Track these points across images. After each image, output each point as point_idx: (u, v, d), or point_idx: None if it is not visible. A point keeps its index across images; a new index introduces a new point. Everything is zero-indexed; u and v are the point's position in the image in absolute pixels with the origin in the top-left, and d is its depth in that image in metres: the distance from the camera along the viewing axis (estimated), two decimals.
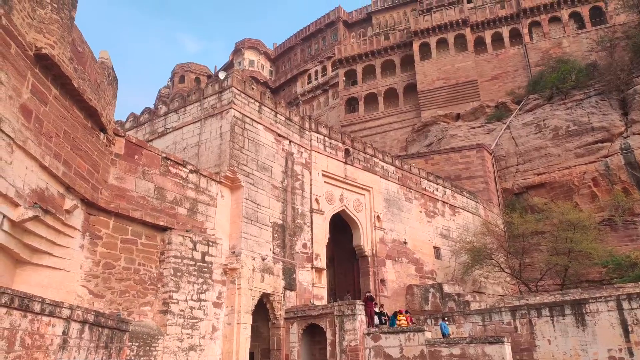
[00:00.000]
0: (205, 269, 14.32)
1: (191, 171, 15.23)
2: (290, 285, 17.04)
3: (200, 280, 14.06)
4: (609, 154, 31.35)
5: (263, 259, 16.14)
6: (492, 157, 35.25)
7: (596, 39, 39.37)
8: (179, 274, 13.39)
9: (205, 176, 15.75)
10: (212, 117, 17.97)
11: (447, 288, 21.01)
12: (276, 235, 17.36)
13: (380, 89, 48.88)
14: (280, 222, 17.79)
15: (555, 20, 44.49)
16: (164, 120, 19.76)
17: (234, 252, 15.45)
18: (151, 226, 13.44)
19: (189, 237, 14.09)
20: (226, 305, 14.64)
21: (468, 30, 46.08)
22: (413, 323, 16.94)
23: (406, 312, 17.67)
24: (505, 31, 45.73)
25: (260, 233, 16.62)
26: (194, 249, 14.12)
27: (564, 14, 44.11)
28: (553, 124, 34.83)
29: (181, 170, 14.85)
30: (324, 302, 18.17)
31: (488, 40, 46.04)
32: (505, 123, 38.13)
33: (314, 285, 18.16)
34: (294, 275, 17.44)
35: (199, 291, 13.91)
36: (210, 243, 14.80)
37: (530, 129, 35.92)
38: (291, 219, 18.40)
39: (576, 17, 44.05)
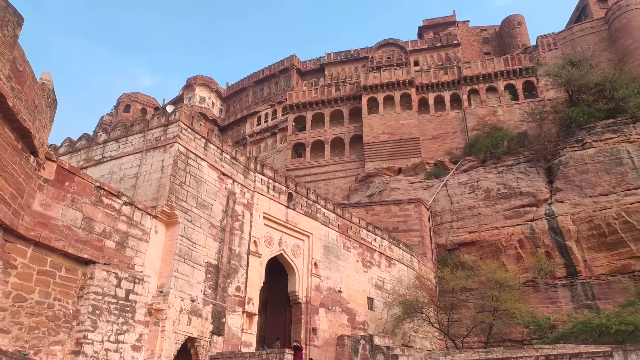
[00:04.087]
0: (128, 308, 13.51)
1: (125, 203, 14.64)
2: (218, 329, 16.37)
3: (121, 320, 13.22)
4: (534, 218, 33.43)
5: (193, 301, 15.50)
6: (429, 212, 36.58)
7: (528, 110, 42.83)
8: (97, 312, 12.54)
9: (140, 209, 15.17)
10: (155, 150, 17.57)
11: (377, 340, 20.99)
12: (209, 276, 16.82)
13: (327, 137, 50.06)
14: (215, 262, 17.30)
15: (492, 90, 48.18)
16: (102, 148, 19.06)
17: (161, 292, 14.75)
18: (74, 258, 12.64)
19: (114, 272, 13.34)
20: (146, 348, 13.78)
21: (413, 90, 48.80)
22: None
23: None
24: (447, 95, 48.83)
25: (192, 273, 16.04)
26: (118, 285, 13.35)
27: (500, 85, 47.93)
28: (485, 186, 36.91)
29: (114, 202, 14.24)
30: (252, 349, 17.57)
31: (431, 101, 48.89)
32: (442, 181, 39.96)
33: (243, 331, 17.56)
34: (224, 320, 16.82)
35: (118, 332, 13.04)
36: (137, 280, 14.07)
37: (464, 189, 37.82)
38: (227, 260, 17.95)
39: (511, 89, 47.97)
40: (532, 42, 56.57)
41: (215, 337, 16.17)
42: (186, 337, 14.92)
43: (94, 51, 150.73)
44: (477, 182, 37.64)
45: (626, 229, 29.97)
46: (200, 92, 61.48)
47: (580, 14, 61.51)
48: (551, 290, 30.64)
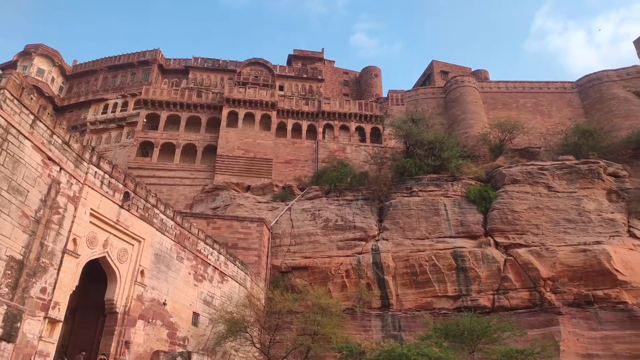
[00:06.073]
0: None
1: None
2: (9, 335, 14.01)
3: None
4: (362, 252, 36.28)
5: None
6: (270, 233, 37.17)
7: (371, 153, 47.06)
8: None
9: None
10: None
11: (195, 358, 20.21)
12: (9, 272, 14.42)
13: (180, 141, 48.09)
14: (20, 257, 14.94)
15: (345, 128, 51.91)
16: None
17: None
18: None
19: None
20: None
21: (274, 113, 50.01)
22: None
23: None
24: (304, 124, 51.12)
25: None
26: None
27: (352, 125, 51.94)
28: (325, 216, 39.04)
29: None
30: None
31: (289, 127, 50.61)
32: (287, 205, 41.17)
33: (41, 339, 15.30)
34: (18, 324, 14.48)
35: None
36: None
37: (306, 216, 39.47)
38: (35, 257, 15.65)
39: (360, 131, 52.28)
40: (385, 94, 62.78)
41: (4, 343, 13.78)
42: None
43: None
44: (319, 211, 39.62)
45: (434, 271, 34.32)
46: (39, 63, 53.99)
47: (426, 80, 70.61)
48: (366, 319, 33.29)
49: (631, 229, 35.33)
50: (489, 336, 25.17)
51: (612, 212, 36.12)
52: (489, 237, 36.01)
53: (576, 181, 38.46)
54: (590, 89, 57.16)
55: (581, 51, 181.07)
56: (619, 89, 55.31)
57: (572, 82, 59.42)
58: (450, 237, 36.48)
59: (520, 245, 34.79)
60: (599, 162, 39.56)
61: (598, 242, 33.49)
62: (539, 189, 38.38)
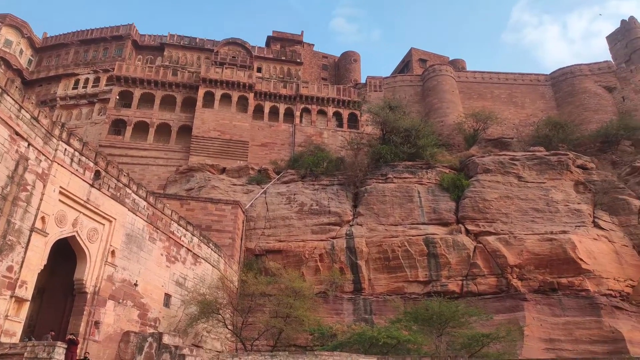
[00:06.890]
0: None
1: None
2: None
3: None
4: (336, 237, 36.55)
5: None
6: (245, 216, 37.02)
7: (348, 139, 47.14)
8: None
9: None
10: None
11: (166, 339, 20.12)
12: None
13: (154, 120, 47.10)
14: None
15: (322, 113, 51.75)
16: None
17: None
18: None
19: None
20: None
21: (252, 95, 49.42)
22: None
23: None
24: (282, 108, 50.73)
25: None
26: None
27: (330, 110, 51.81)
28: (301, 200, 39.09)
29: None
30: (16, 339, 15.11)
31: (266, 110, 50.14)
32: (263, 188, 41.01)
33: (7, 318, 14.96)
34: None
35: None
36: None
37: (282, 199, 39.43)
38: (2, 234, 15.24)
39: (338, 116, 52.20)
40: (363, 80, 62.70)
41: None
42: None
43: None
44: (294, 195, 39.62)
45: (405, 257, 34.89)
46: (7, 34, 51.71)
47: (404, 67, 70.76)
48: (338, 302, 33.71)
49: (596, 220, 36.64)
50: (456, 320, 25.86)
51: (579, 203, 37.32)
52: (460, 225, 36.76)
53: (546, 172, 39.51)
54: (563, 82, 58.43)
55: (555, 45, 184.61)
56: (591, 83, 56.72)
57: (546, 75, 60.56)
58: (423, 223, 37.06)
59: (489, 233, 35.66)
60: (568, 154, 40.68)
61: (564, 232, 34.63)
62: (510, 179, 39.28)
